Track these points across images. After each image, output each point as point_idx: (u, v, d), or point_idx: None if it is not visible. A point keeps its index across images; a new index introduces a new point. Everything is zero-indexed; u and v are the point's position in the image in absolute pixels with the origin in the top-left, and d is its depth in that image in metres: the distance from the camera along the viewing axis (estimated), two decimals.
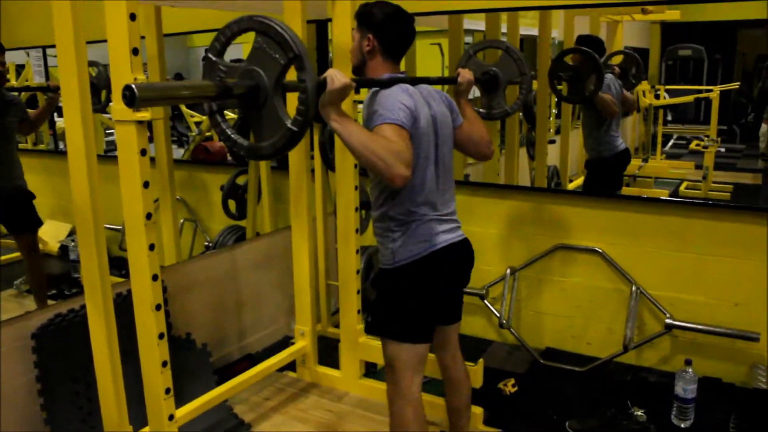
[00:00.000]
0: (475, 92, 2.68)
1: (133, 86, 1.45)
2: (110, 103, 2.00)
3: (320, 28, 4.05)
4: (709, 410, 2.92)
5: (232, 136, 1.67)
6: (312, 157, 3.36)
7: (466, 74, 2.44)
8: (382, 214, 2.17)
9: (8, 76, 5.55)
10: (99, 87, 3.43)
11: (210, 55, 1.63)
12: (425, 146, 2.11)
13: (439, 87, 2.38)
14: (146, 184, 2.04)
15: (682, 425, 2.85)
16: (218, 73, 1.62)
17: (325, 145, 3.45)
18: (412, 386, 2.19)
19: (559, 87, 3.65)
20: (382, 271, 2.22)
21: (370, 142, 1.84)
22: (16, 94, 3.71)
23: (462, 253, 2.27)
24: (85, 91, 2.05)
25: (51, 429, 2.60)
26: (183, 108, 6.28)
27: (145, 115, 1.97)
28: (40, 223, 3.84)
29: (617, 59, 4.55)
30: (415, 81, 2.18)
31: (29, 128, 3.77)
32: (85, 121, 2.05)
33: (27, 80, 5.22)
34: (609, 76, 3.99)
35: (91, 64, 3.06)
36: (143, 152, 2.02)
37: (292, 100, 1.65)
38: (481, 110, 2.63)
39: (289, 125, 1.56)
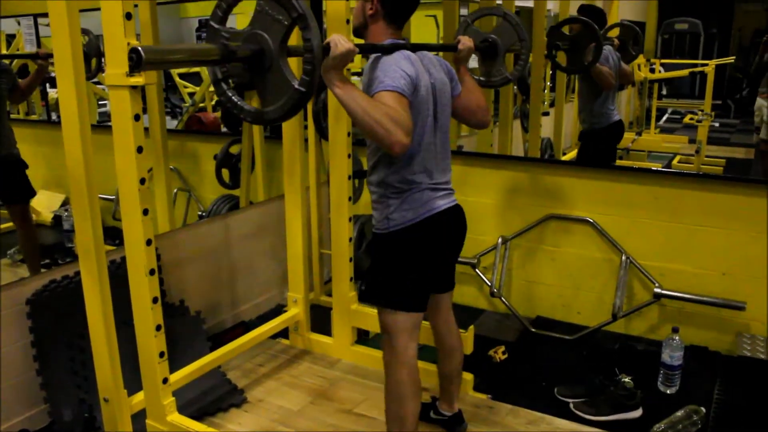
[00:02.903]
0: (473, 59, 2.68)
1: (140, 48, 1.43)
2: (100, 72, 2.00)
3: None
4: (695, 377, 2.97)
5: (239, 102, 1.66)
6: (306, 127, 3.37)
7: (466, 41, 2.41)
8: (380, 180, 2.18)
9: None
10: (89, 56, 3.43)
11: (212, 23, 1.61)
12: (424, 114, 2.11)
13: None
14: (140, 149, 2.05)
15: (668, 391, 2.90)
16: (221, 40, 1.60)
17: (319, 114, 3.45)
18: (408, 350, 2.21)
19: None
20: (376, 236, 2.23)
21: (370, 109, 1.82)
22: (7, 62, 3.70)
23: (455, 219, 2.28)
24: (79, 59, 2.05)
25: (47, 394, 2.63)
26: (176, 79, 6.24)
27: (138, 80, 1.97)
28: (33, 193, 3.84)
29: (615, 31, 4.53)
30: (415, 47, 2.16)
31: (20, 97, 3.76)
32: (78, 89, 2.06)
33: (18, 49, 5.18)
34: (607, 48, 3.95)
35: (83, 32, 3.06)
36: (137, 117, 2.02)
37: (294, 66, 1.64)
38: (480, 78, 2.62)
39: (296, 86, 1.55)
